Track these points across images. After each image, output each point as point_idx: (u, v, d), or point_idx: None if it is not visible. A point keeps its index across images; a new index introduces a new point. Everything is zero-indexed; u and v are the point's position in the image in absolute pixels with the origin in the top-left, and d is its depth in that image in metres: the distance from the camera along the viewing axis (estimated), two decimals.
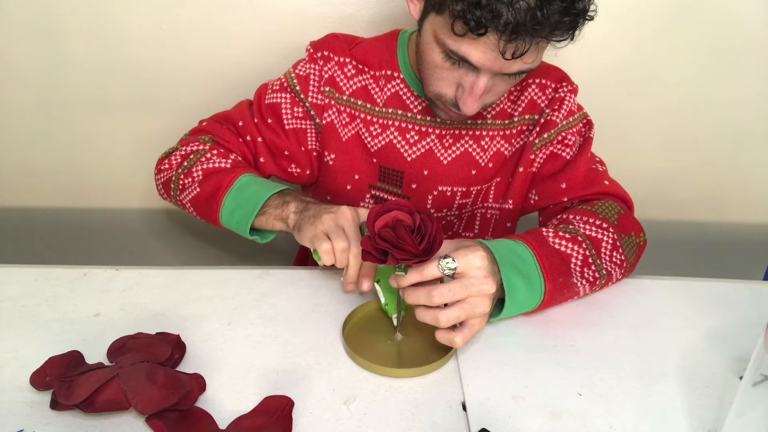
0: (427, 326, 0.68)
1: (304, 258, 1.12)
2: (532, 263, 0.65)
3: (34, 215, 1.27)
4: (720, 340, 0.68)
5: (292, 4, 1.06)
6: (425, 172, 0.86)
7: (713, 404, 0.58)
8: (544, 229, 0.70)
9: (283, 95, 0.85)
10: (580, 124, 0.85)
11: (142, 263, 0.80)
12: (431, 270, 0.58)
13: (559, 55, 1.02)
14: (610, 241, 0.73)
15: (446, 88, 0.72)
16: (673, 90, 1.13)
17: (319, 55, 0.84)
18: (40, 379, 0.56)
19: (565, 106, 0.83)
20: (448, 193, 0.88)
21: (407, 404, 0.57)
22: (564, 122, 0.83)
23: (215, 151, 0.83)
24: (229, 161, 0.81)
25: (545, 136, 0.84)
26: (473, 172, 0.86)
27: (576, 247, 0.69)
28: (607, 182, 0.82)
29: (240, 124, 0.87)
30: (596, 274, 0.70)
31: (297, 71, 0.85)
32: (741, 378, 0.50)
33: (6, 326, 0.67)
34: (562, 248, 0.69)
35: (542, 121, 0.84)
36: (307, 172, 0.90)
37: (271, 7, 1.06)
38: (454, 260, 0.58)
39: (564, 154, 0.84)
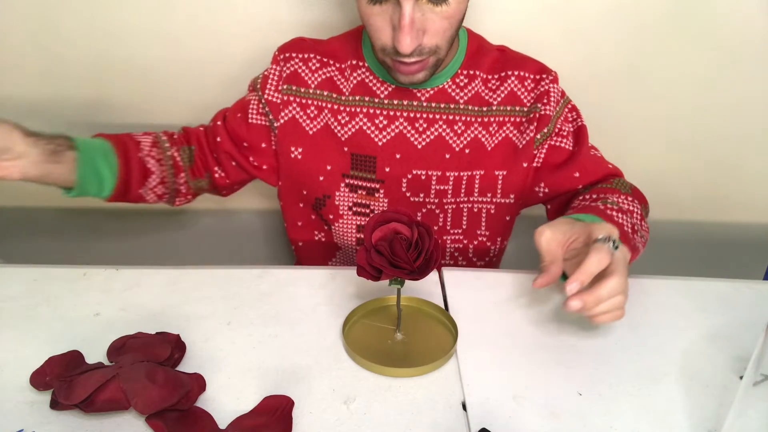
0: (427, 326, 0.68)
1: (304, 259, 1.11)
2: None
3: (34, 215, 1.27)
4: (720, 340, 0.68)
5: (292, 5, 1.05)
6: (398, 156, 0.88)
7: (713, 404, 0.58)
8: (594, 204, 0.75)
9: (252, 94, 0.91)
10: (566, 110, 0.88)
11: (142, 263, 0.80)
12: (605, 259, 0.58)
13: (559, 55, 1.02)
14: (637, 211, 0.79)
15: (384, 37, 0.74)
16: (673, 90, 1.13)
17: (282, 57, 0.88)
18: (40, 379, 0.56)
19: (552, 98, 0.86)
20: (423, 177, 0.89)
21: (407, 404, 0.57)
22: (554, 113, 0.86)
23: (165, 136, 0.92)
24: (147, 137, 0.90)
25: (545, 130, 0.86)
26: (447, 156, 0.88)
27: (625, 216, 0.74)
28: (610, 165, 0.89)
29: (214, 114, 0.96)
30: (642, 240, 0.76)
31: (264, 72, 0.91)
32: (741, 378, 0.50)
33: (6, 326, 0.67)
34: (618, 219, 0.73)
35: (537, 116, 0.86)
36: (264, 167, 0.93)
37: (271, 8, 1.06)
38: (618, 240, 0.62)
39: (563, 144, 0.87)
